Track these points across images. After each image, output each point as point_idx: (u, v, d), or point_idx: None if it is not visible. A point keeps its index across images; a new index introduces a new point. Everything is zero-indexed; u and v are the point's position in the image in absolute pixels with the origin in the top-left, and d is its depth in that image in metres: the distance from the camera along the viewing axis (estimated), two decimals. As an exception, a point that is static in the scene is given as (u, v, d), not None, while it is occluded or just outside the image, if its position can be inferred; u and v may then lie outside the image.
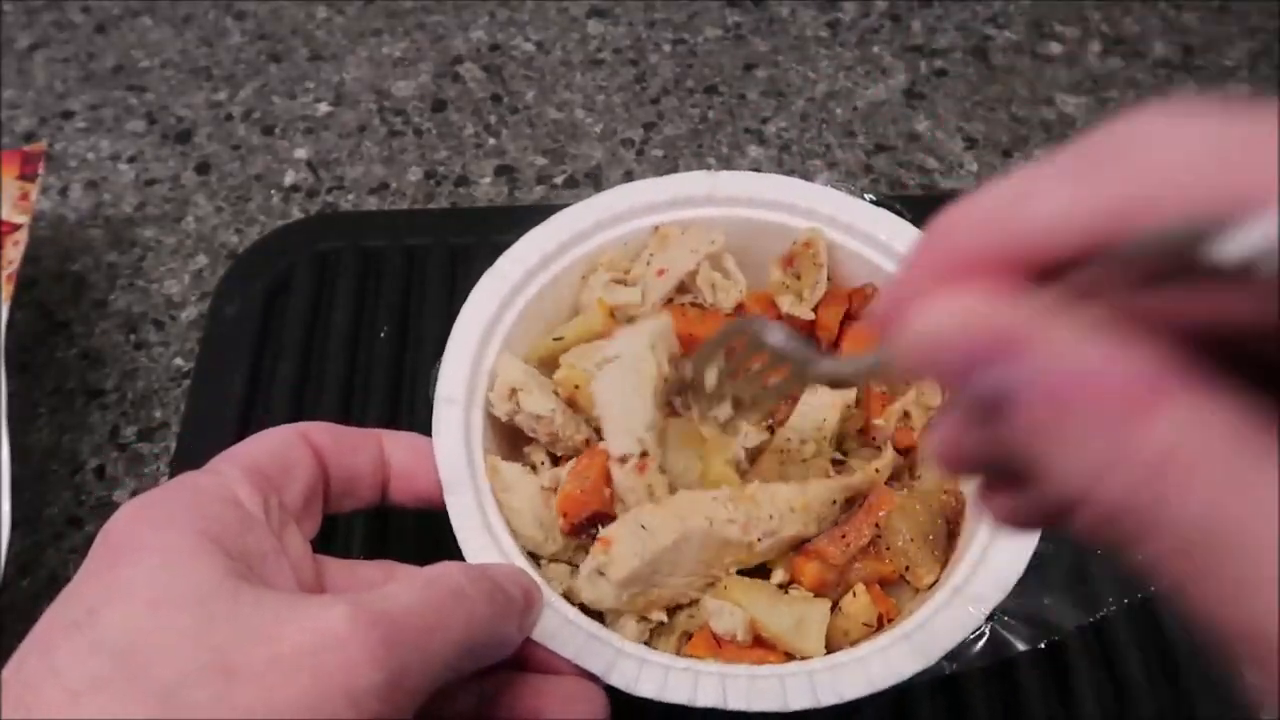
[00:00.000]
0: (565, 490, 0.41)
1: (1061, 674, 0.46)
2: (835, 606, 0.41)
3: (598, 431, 0.43)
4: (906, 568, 0.41)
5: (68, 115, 0.71)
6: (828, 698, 0.36)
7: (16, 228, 0.55)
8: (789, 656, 0.39)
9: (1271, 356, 0.17)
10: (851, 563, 0.41)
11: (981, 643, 0.41)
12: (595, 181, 0.67)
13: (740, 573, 0.41)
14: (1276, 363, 0.17)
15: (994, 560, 0.38)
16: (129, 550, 0.30)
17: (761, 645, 0.40)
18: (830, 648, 0.39)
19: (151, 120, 0.71)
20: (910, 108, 0.71)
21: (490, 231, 0.60)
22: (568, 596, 0.41)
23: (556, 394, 0.44)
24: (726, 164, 0.68)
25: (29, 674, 0.27)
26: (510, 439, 0.45)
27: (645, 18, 0.77)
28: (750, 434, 0.43)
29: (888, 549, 0.41)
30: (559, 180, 0.67)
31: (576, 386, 0.43)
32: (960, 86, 0.73)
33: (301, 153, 0.69)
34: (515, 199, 0.66)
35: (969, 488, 0.42)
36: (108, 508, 0.53)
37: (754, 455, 0.44)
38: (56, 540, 0.52)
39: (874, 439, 0.46)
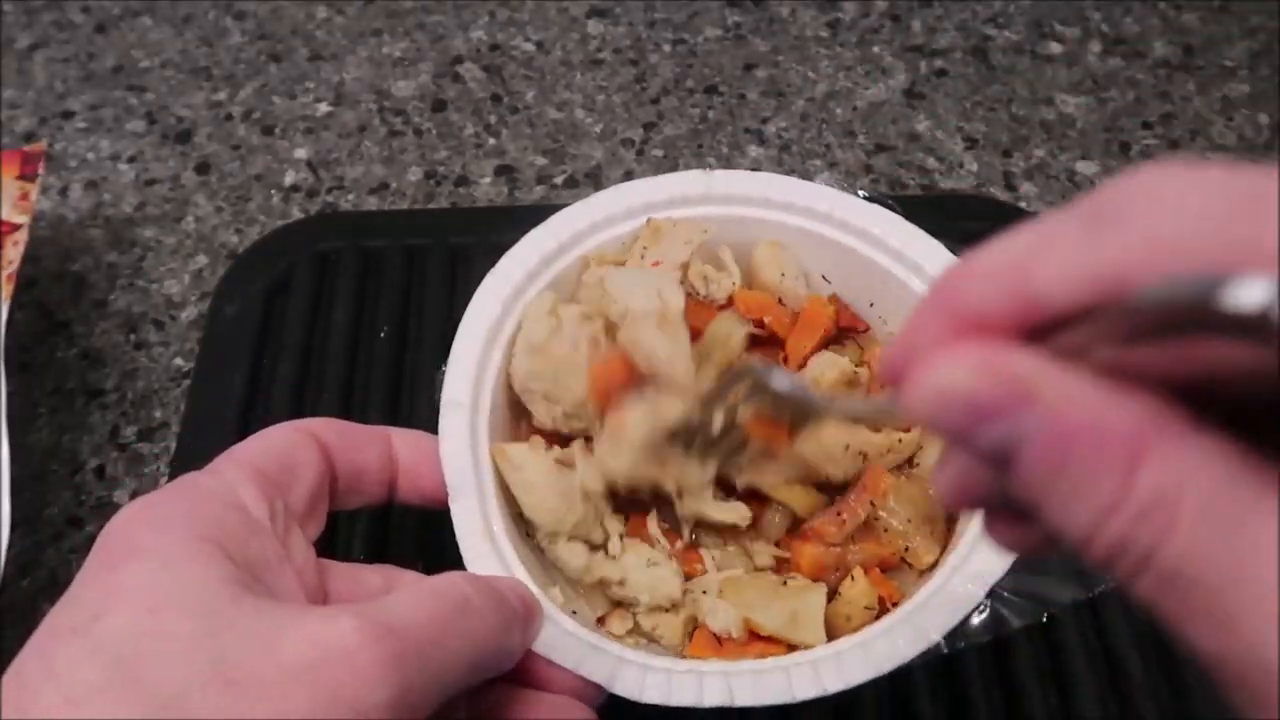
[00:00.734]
0: (595, 365, 0.41)
1: (1057, 650, 0.47)
2: (835, 592, 0.41)
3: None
4: (906, 549, 0.41)
5: (68, 115, 0.71)
6: (834, 685, 0.36)
7: (16, 228, 0.55)
8: (793, 647, 0.39)
9: (1259, 404, 0.17)
10: (849, 545, 0.41)
11: (980, 619, 0.42)
12: (595, 181, 0.67)
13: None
14: (1264, 410, 0.18)
15: None
16: (129, 553, 0.30)
17: (762, 639, 0.40)
18: (833, 634, 0.39)
19: (151, 120, 0.71)
20: (910, 108, 0.71)
21: (490, 231, 0.60)
22: (584, 575, 0.41)
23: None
24: (726, 164, 0.68)
25: (28, 678, 0.27)
26: (513, 438, 0.45)
27: (645, 18, 0.77)
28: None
29: (885, 531, 0.41)
30: (559, 180, 0.67)
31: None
32: (960, 86, 0.73)
33: (301, 153, 0.69)
34: (515, 199, 0.66)
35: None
36: (108, 508, 0.53)
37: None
38: (56, 540, 0.52)
39: None
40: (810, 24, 0.77)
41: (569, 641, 0.37)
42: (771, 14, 0.78)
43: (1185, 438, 0.17)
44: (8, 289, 0.52)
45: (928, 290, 0.20)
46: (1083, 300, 0.18)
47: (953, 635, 0.37)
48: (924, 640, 0.37)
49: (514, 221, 0.47)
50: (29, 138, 0.69)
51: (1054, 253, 0.18)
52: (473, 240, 0.60)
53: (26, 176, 0.57)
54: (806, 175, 0.67)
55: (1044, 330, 0.19)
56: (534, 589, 0.38)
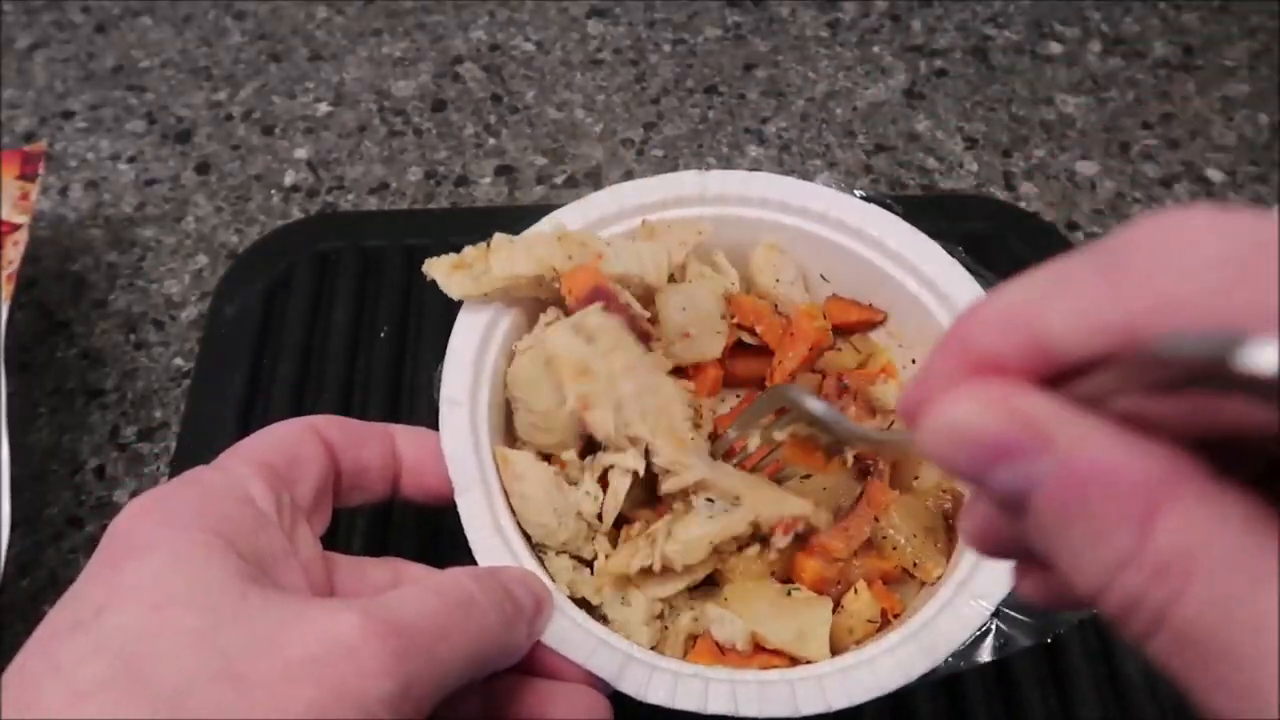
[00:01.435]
0: (569, 271, 0.43)
1: (1061, 671, 0.46)
2: (839, 605, 0.41)
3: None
4: (914, 563, 0.41)
5: (68, 115, 0.71)
6: (839, 702, 0.36)
7: (16, 228, 0.55)
8: (795, 659, 0.39)
9: (1275, 459, 0.17)
10: (852, 560, 0.41)
11: (987, 639, 0.42)
12: (595, 181, 0.67)
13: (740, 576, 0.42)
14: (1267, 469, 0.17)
15: None
16: (135, 548, 0.30)
17: (765, 651, 0.40)
18: (835, 646, 0.39)
19: (151, 120, 0.71)
20: (910, 108, 0.71)
21: (490, 231, 0.60)
22: (570, 590, 0.41)
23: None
24: (726, 164, 0.68)
25: (32, 674, 0.27)
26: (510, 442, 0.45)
27: (645, 18, 0.77)
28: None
29: (893, 548, 0.41)
30: (559, 180, 0.67)
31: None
32: (960, 86, 0.73)
33: (301, 153, 0.69)
34: (515, 199, 0.66)
35: (968, 488, 0.43)
36: (108, 508, 0.53)
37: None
38: (56, 540, 0.52)
39: (872, 408, 0.46)
40: (810, 24, 0.77)
41: (579, 635, 0.37)
42: (771, 14, 0.78)
43: (1204, 491, 0.17)
44: (8, 289, 0.52)
45: (947, 331, 0.20)
46: (1096, 349, 0.17)
47: (958, 654, 0.37)
48: (930, 659, 0.36)
49: (514, 221, 0.47)
50: (29, 138, 0.69)
51: (1066, 299, 0.18)
52: (473, 240, 0.60)
53: (26, 176, 0.57)
54: (806, 175, 0.67)
55: (1061, 377, 0.18)
56: (545, 579, 0.38)
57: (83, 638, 0.27)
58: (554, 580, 0.41)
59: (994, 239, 0.60)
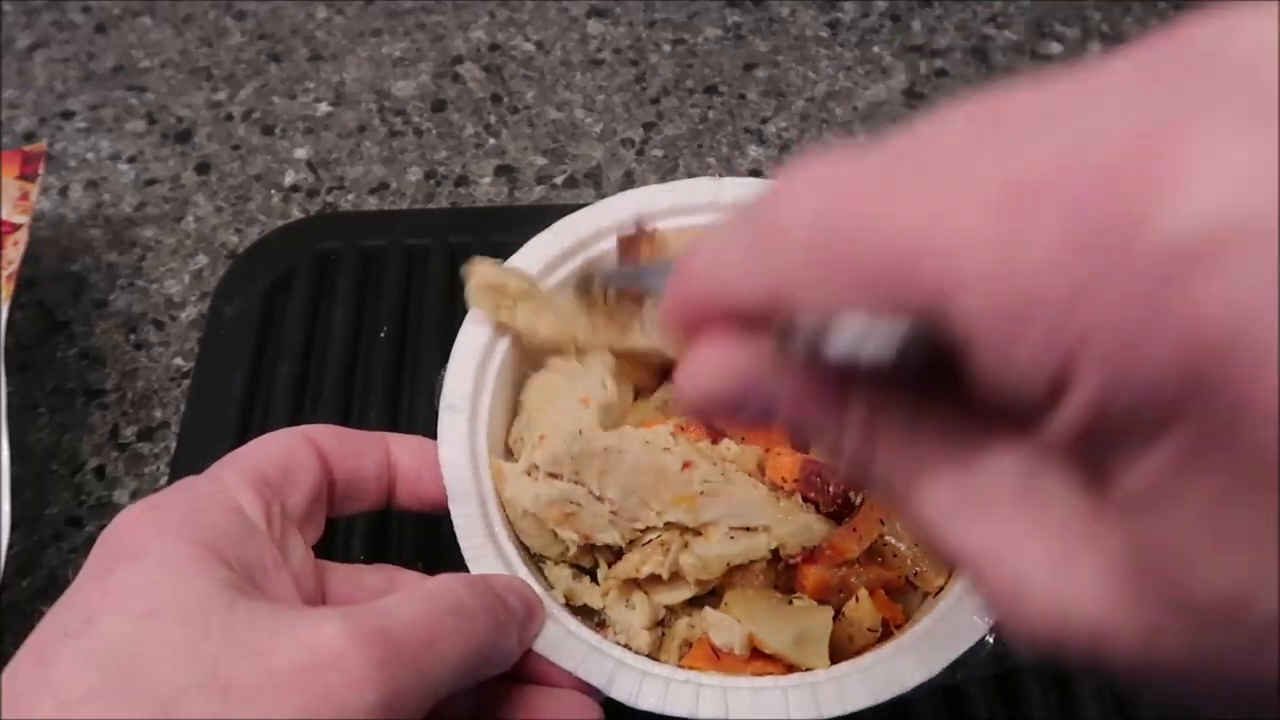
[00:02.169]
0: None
1: (1064, 683, 0.46)
2: (840, 613, 0.40)
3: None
4: (915, 572, 0.41)
5: (68, 115, 0.71)
6: (830, 709, 0.36)
7: (16, 228, 0.55)
8: (792, 667, 0.39)
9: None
10: (854, 567, 0.41)
11: (984, 652, 0.41)
12: (595, 181, 0.67)
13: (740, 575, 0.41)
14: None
15: None
16: (125, 558, 0.30)
17: (762, 656, 0.40)
18: (835, 656, 0.39)
19: (151, 120, 0.71)
20: (910, 108, 0.71)
21: (490, 231, 0.60)
22: (569, 598, 0.41)
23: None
24: (726, 164, 0.68)
25: (23, 682, 0.27)
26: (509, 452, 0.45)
27: (645, 18, 0.77)
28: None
29: (894, 555, 0.41)
30: (559, 180, 0.67)
31: None
32: (960, 86, 0.72)
33: (301, 153, 0.69)
34: (515, 199, 0.66)
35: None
36: (108, 508, 0.53)
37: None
38: (56, 540, 0.52)
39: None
40: (810, 24, 0.77)
41: (570, 642, 0.37)
42: (771, 14, 0.78)
43: (873, 390, 0.19)
44: (8, 289, 0.52)
45: (675, 269, 0.21)
46: (760, 312, 0.19)
47: (956, 666, 0.37)
48: (926, 670, 0.36)
49: (514, 221, 0.48)
50: (29, 138, 0.69)
51: (724, 271, 0.20)
52: (473, 240, 0.60)
53: (26, 176, 0.57)
54: (806, 175, 0.67)
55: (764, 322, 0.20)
56: (536, 587, 0.38)
57: (73, 646, 0.27)
58: (552, 588, 0.41)
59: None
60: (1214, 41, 0.15)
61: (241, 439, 0.37)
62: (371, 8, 0.78)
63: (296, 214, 0.66)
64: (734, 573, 0.41)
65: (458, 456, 0.41)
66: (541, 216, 0.47)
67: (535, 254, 0.46)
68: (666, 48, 0.75)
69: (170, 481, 0.52)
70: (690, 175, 0.67)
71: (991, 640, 0.41)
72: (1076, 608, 0.17)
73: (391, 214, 0.65)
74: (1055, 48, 0.75)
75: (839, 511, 0.42)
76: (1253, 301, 0.13)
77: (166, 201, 0.67)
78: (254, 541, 0.32)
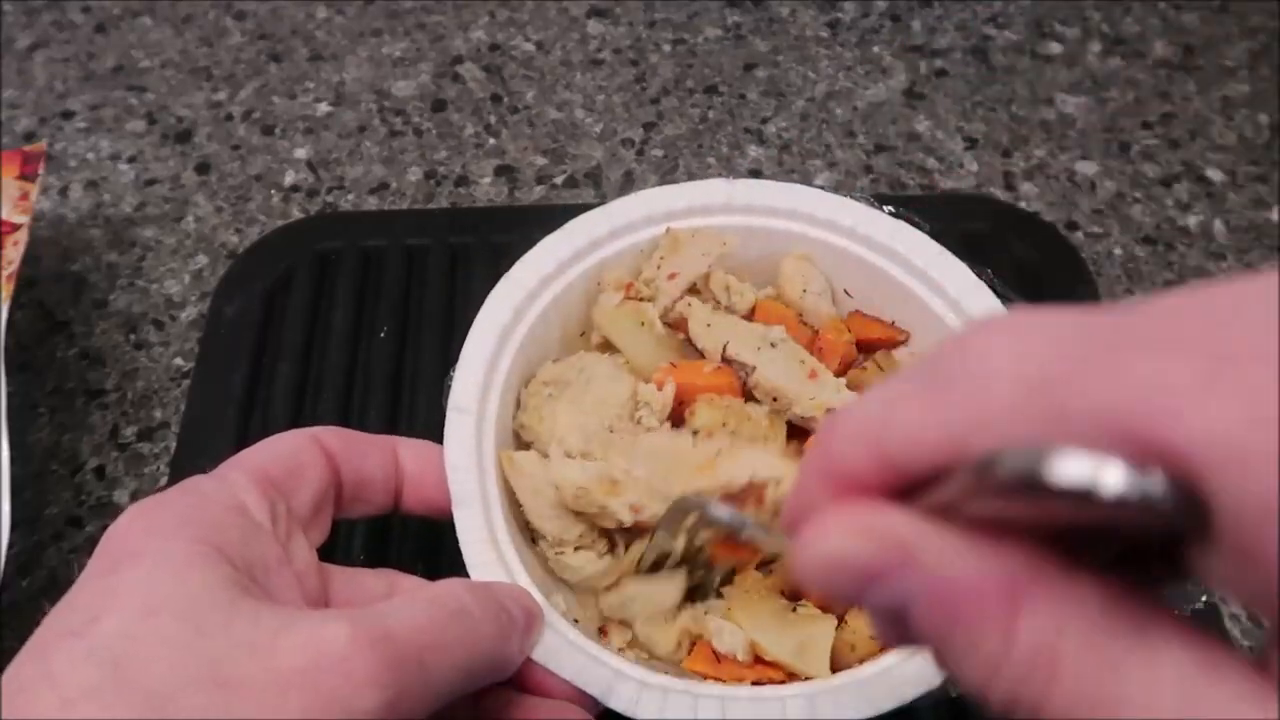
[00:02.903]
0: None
1: None
2: (842, 620, 0.40)
3: None
4: None
5: (68, 115, 0.71)
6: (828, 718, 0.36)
7: (16, 228, 0.55)
8: (792, 675, 0.39)
9: (1127, 540, 0.18)
10: None
11: None
12: (595, 181, 0.67)
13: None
14: (1130, 547, 0.18)
15: None
16: (128, 557, 0.30)
17: (763, 663, 0.40)
18: (836, 664, 0.39)
19: (151, 120, 0.71)
20: (910, 108, 0.71)
21: (490, 231, 0.60)
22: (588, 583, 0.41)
23: None
24: (726, 164, 0.68)
25: (25, 680, 0.27)
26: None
27: (645, 18, 0.77)
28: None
29: None
30: (559, 180, 0.67)
31: None
32: (960, 86, 0.73)
33: (301, 153, 0.69)
34: (515, 199, 0.66)
35: None
36: (108, 508, 0.53)
37: None
38: (56, 540, 0.52)
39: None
40: (810, 24, 0.77)
41: (569, 651, 0.37)
42: (771, 14, 0.78)
43: (1057, 586, 0.17)
44: (8, 289, 0.52)
45: (811, 444, 0.21)
46: (935, 462, 0.18)
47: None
48: (926, 682, 0.36)
49: (514, 221, 0.47)
50: (29, 138, 0.70)
51: (900, 416, 0.19)
52: (473, 240, 0.60)
53: (26, 176, 0.57)
54: (807, 175, 0.67)
55: (915, 487, 0.19)
56: (537, 596, 0.38)
57: (75, 644, 0.27)
58: (578, 575, 0.41)
59: (994, 239, 0.60)
60: None
61: (241, 439, 0.37)
62: (371, 8, 0.78)
63: (296, 214, 0.66)
64: (744, 566, 0.41)
65: (463, 458, 0.40)
66: (542, 216, 0.47)
67: (548, 254, 0.46)
68: (666, 48, 0.75)
69: (170, 481, 0.52)
70: (690, 175, 0.68)
71: None
72: None
73: (391, 214, 0.65)
74: (1055, 48, 0.75)
75: None
76: None
77: (166, 201, 0.67)
78: (258, 541, 0.32)
